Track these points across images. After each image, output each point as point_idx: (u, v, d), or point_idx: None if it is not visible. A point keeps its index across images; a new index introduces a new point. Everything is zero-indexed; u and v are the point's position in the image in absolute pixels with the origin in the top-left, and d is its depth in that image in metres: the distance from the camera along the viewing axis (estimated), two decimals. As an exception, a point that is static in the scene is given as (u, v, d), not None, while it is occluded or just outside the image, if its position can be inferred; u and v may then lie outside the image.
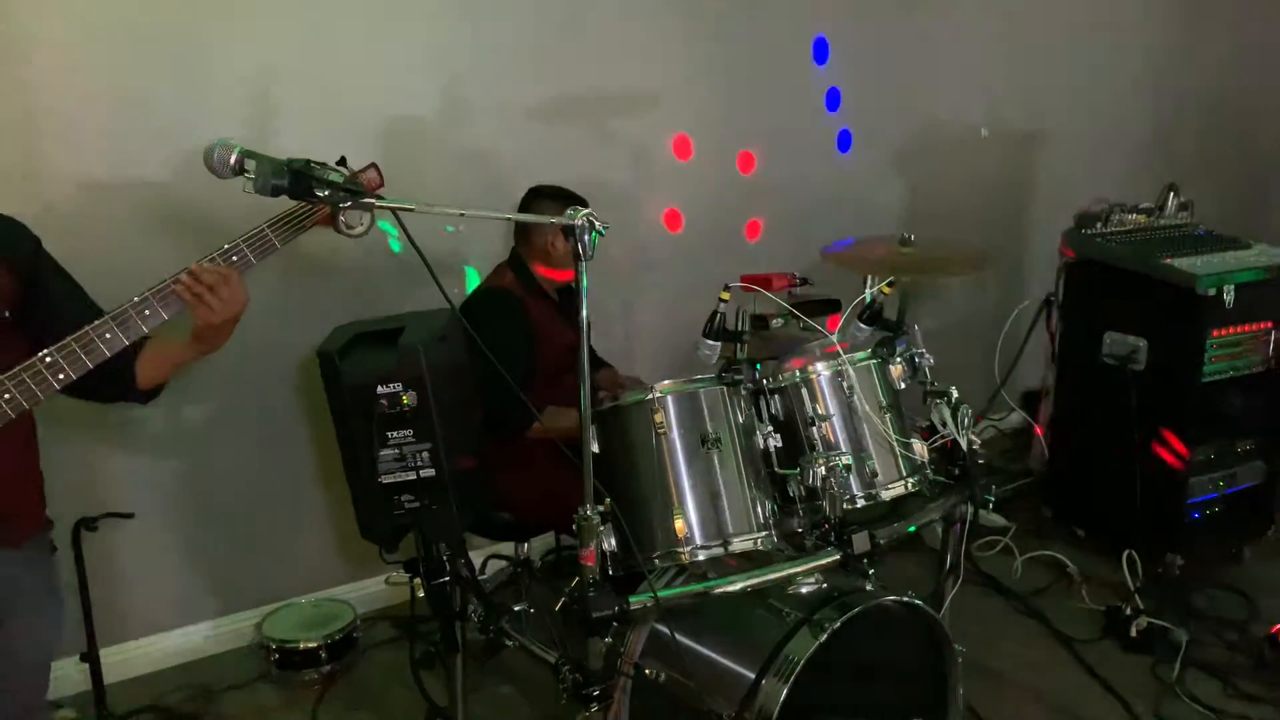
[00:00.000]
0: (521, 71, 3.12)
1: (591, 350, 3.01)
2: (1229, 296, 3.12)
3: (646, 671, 2.05)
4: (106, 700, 2.58)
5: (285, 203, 1.51)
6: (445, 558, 2.21)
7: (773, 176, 3.75)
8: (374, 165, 1.65)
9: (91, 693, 2.59)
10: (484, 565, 3.10)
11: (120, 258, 2.37)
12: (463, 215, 1.42)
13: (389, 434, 2.07)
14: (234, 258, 1.53)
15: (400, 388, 2.03)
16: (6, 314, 1.47)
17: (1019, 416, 4.01)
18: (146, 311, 1.47)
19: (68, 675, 2.65)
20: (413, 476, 2.09)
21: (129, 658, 2.83)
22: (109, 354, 1.47)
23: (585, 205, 1.62)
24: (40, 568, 1.66)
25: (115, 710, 2.61)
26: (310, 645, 2.86)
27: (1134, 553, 3.14)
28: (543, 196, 2.58)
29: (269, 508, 3.01)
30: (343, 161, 1.51)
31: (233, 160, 1.36)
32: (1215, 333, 3.16)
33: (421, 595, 2.22)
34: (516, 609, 2.46)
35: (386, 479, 2.08)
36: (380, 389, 2.03)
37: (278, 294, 2.75)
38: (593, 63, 3.28)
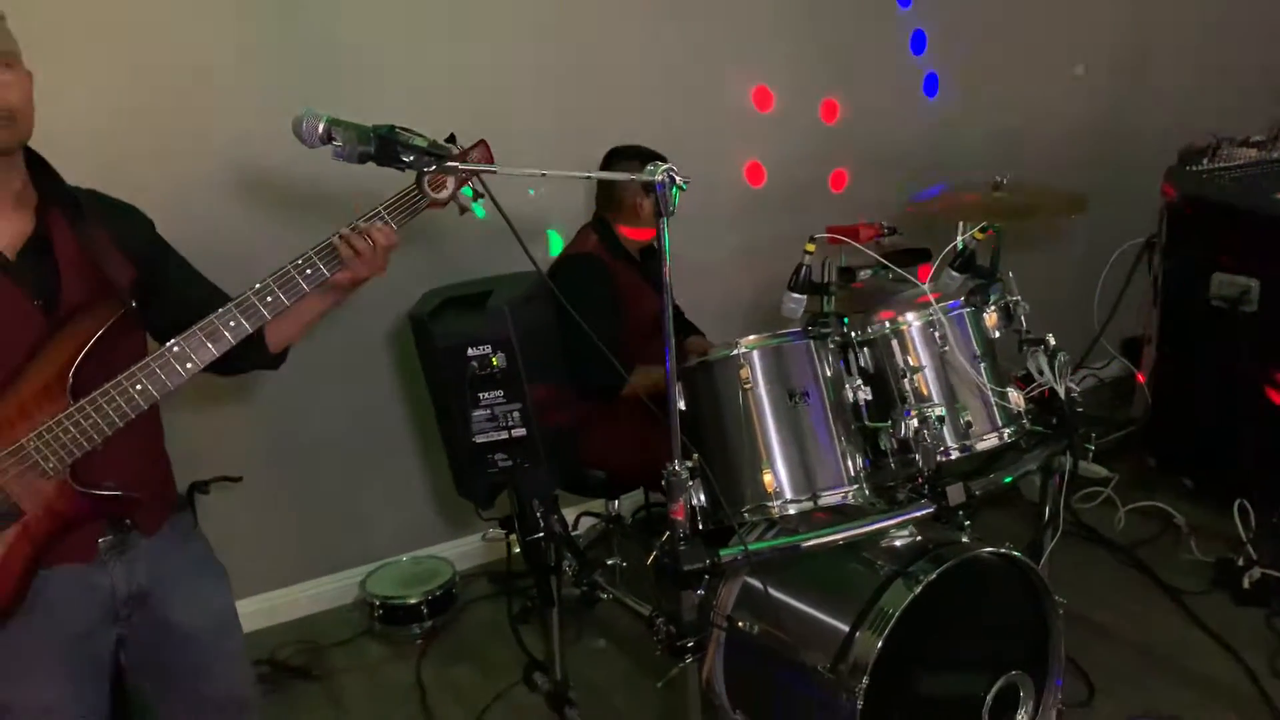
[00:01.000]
0: (603, 29, 3.11)
1: (680, 313, 3.05)
2: (1350, 232, 2.95)
3: (740, 624, 2.07)
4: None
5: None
6: (539, 514, 2.26)
7: (858, 124, 3.67)
8: (483, 142, 1.65)
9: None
10: (576, 522, 3.16)
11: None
12: (544, 175, 1.41)
13: (480, 395, 2.11)
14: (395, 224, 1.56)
15: (490, 349, 2.07)
16: (133, 304, 1.52)
17: (1120, 364, 3.87)
18: (269, 298, 1.50)
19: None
20: (504, 436, 2.13)
21: (247, 613, 2.96)
22: (234, 341, 1.51)
23: (665, 161, 1.60)
24: (185, 545, 1.72)
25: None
26: (412, 601, 2.97)
27: (1246, 502, 3.02)
28: (623, 156, 2.58)
29: (368, 469, 3.11)
30: (452, 139, 1.52)
31: (320, 129, 1.39)
32: (1334, 272, 3.00)
33: (517, 551, 2.27)
34: (609, 563, 2.49)
35: (480, 439, 2.12)
36: (470, 351, 2.07)
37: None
38: (668, 18, 3.24)
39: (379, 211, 1.56)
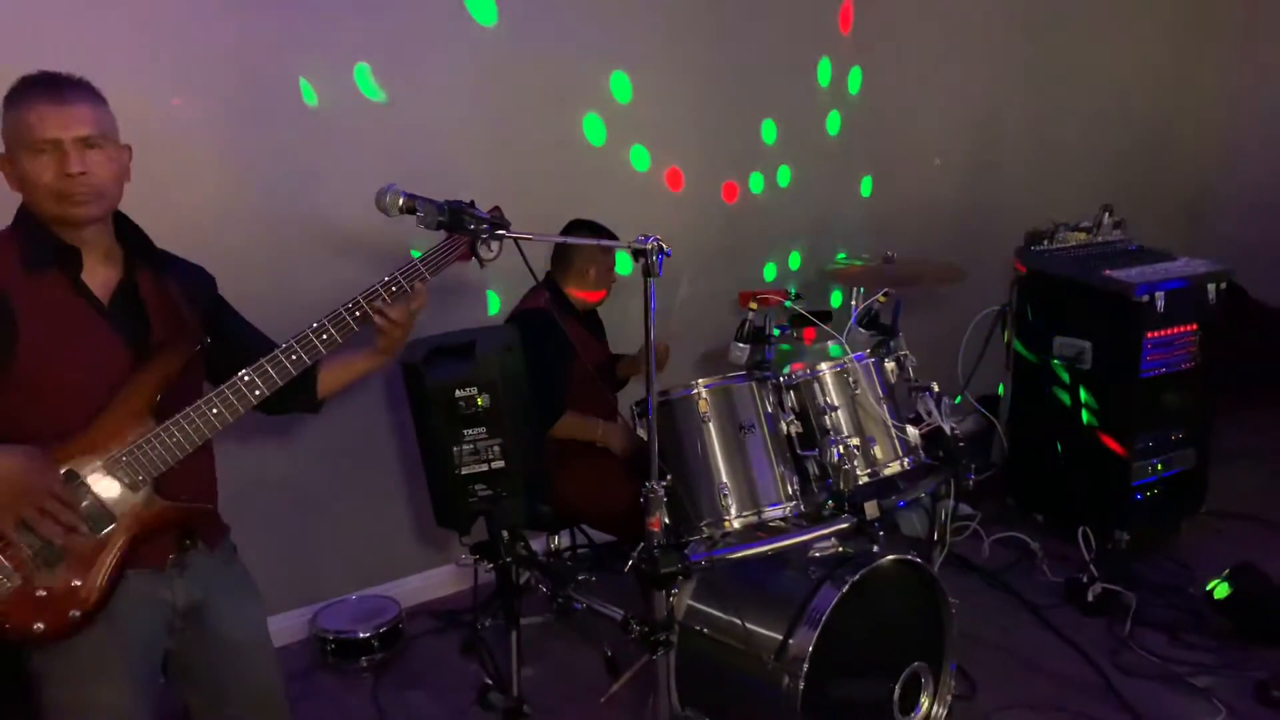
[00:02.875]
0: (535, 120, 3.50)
1: (614, 356, 3.41)
2: (1160, 302, 3.59)
3: (695, 628, 2.41)
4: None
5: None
6: (506, 542, 2.55)
7: (754, 204, 4.16)
8: (498, 208, 1.97)
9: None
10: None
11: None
12: (562, 240, 1.75)
13: (465, 431, 2.40)
14: (393, 288, 1.84)
15: (476, 390, 2.37)
16: (207, 340, 1.78)
17: (978, 418, 4.45)
18: (324, 336, 1.78)
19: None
20: (485, 468, 2.42)
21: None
22: (294, 373, 1.77)
23: (615, 238, 1.98)
24: (230, 565, 1.95)
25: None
26: (363, 635, 3.15)
27: (1088, 529, 3.58)
28: (582, 226, 2.95)
29: (320, 511, 3.30)
30: (473, 204, 1.84)
31: (401, 203, 1.70)
32: (1150, 334, 3.62)
33: (488, 573, 2.54)
34: (580, 578, 2.78)
35: (464, 470, 2.40)
36: (458, 392, 2.37)
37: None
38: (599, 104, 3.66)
39: (418, 269, 1.86)
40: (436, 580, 3.58)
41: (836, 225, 4.43)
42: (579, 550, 3.57)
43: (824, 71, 4.29)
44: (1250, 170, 5.69)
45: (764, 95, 4.13)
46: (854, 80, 4.39)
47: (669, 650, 2.14)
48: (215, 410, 1.71)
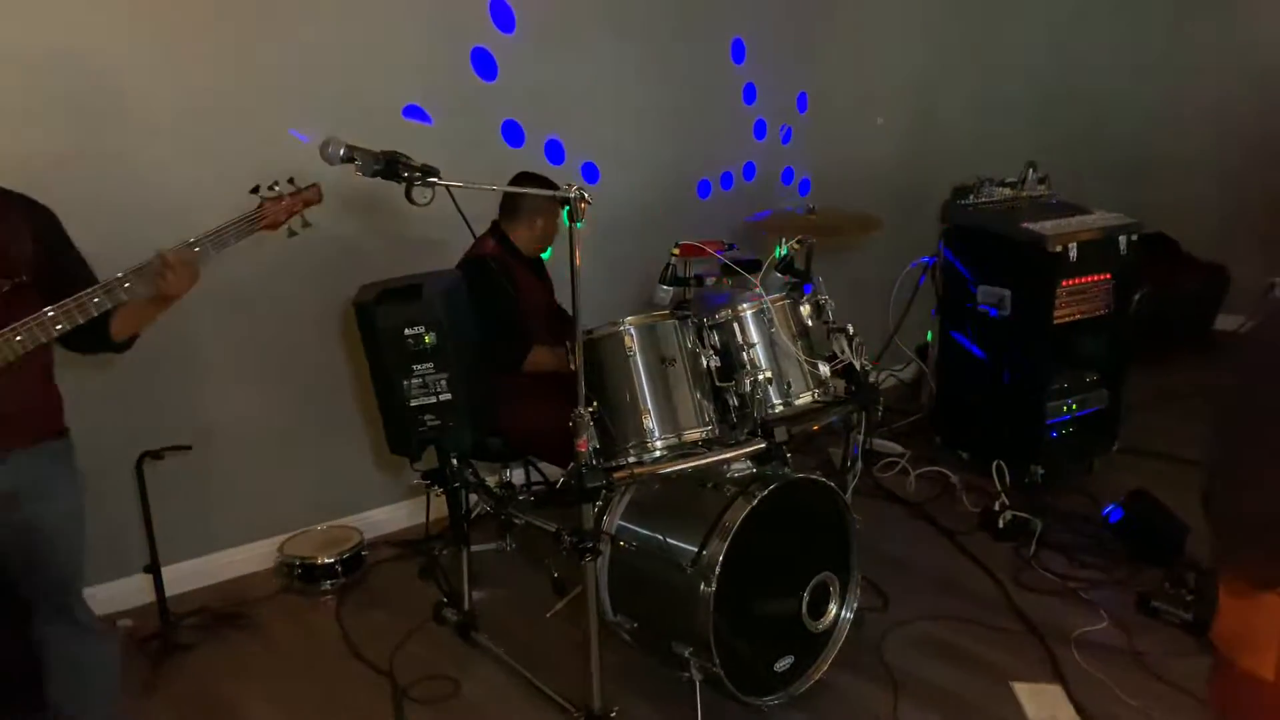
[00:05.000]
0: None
1: (560, 307, 3.64)
2: (1073, 253, 3.85)
3: (621, 544, 2.68)
4: (167, 605, 3.09)
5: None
6: (456, 468, 2.80)
7: (701, 161, 4.38)
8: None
9: (150, 605, 3.11)
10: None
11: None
12: (496, 189, 1.98)
13: (414, 367, 2.63)
14: (196, 248, 2.05)
15: (423, 329, 2.60)
16: (24, 278, 1.98)
17: (915, 367, 4.73)
18: (127, 284, 2.00)
19: (127, 590, 3.17)
20: (433, 400, 2.66)
21: (179, 576, 3.32)
22: (95, 314, 1.99)
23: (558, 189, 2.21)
24: (57, 460, 2.13)
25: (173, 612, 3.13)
26: (328, 561, 3.41)
27: (1002, 463, 3.87)
28: (528, 178, 3.16)
29: (289, 446, 3.54)
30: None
31: (342, 153, 1.91)
32: (1064, 283, 3.88)
33: (440, 497, 2.80)
34: (521, 498, 3.04)
35: (414, 402, 2.65)
36: (407, 330, 2.60)
37: (277, 266, 3.31)
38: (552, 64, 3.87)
39: (201, 239, 2.06)
40: (398, 513, 3.83)
41: (783, 183, 4.66)
42: (534, 486, 3.83)
43: (767, 33, 4.49)
44: (1186, 132, 5.96)
45: (706, 65, 4.33)
46: (797, 42, 4.60)
47: (596, 558, 2.39)
48: (19, 338, 1.92)
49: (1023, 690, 2.74)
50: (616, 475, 2.36)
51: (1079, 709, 2.65)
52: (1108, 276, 4.02)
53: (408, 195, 1.98)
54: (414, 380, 2.64)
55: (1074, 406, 4.06)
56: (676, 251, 2.67)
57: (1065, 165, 4.63)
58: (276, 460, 3.52)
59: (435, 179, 1.98)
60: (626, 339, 2.56)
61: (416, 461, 2.75)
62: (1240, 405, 1.31)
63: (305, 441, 3.58)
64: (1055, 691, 2.73)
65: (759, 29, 4.44)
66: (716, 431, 2.62)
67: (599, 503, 2.33)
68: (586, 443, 2.30)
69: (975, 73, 5.20)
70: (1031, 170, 4.33)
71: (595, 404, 2.34)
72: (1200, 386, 4.97)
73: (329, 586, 3.41)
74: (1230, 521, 1.31)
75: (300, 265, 3.35)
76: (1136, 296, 4.13)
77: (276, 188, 2.15)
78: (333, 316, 3.49)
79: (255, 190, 2.14)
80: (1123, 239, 4.03)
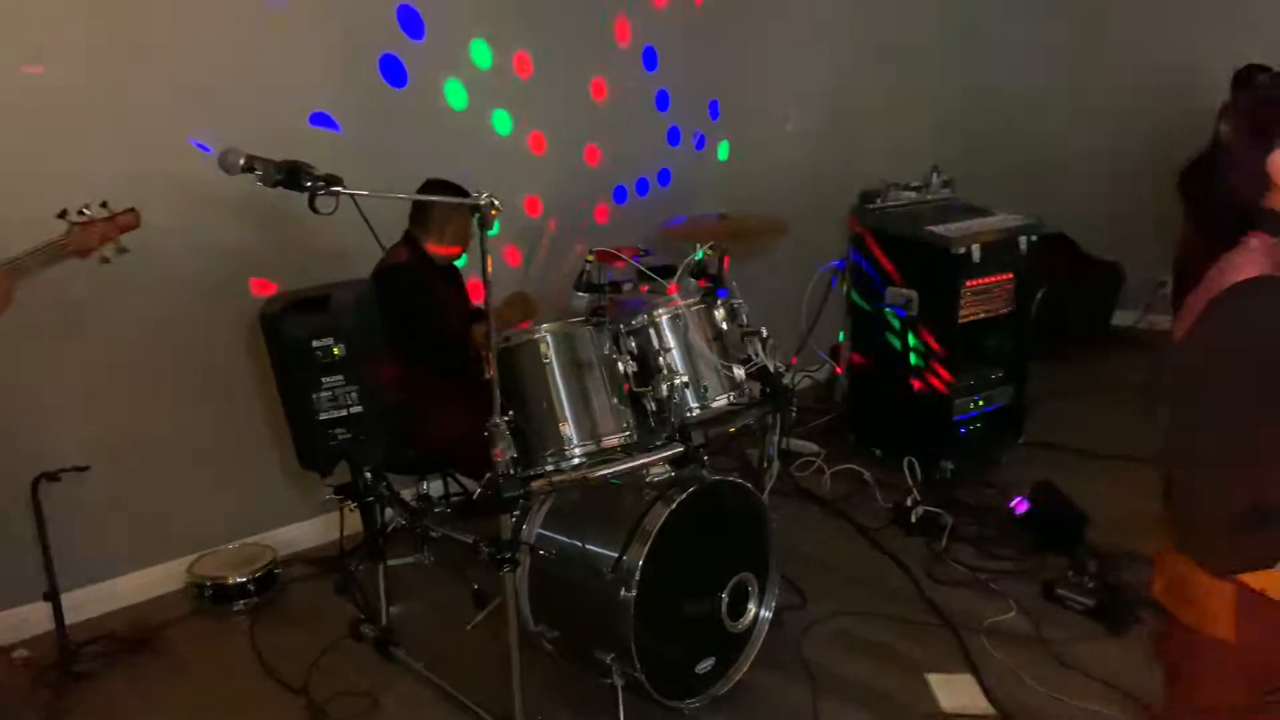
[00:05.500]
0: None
1: (478, 310, 3.61)
2: (976, 254, 3.97)
3: (541, 553, 2.66)
4: (67, 633, 2.96)
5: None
6: (370, 482, 2.75)
7: (614, 166, 4.40)
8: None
9: (49, 634, 2.98)
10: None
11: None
12: (402, 198, 1.95)
13: (323, 379, 2.58)
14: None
15: (332, 340, 2.56)
16: None
17: (829, 367, 4.82)
18: None
19: (28, 619, 3.03)
20: (344, 413, 2.61)
21: (81, 601, 3.18)
22: None
23: (469, 195, 2.19)
24: None
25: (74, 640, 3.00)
26: (239, 580, 3.31)
27: (914, 460, 3.97)
28: (437, 185, 3.13)
29: (197, 463, 3.43)
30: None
31: (242, 162, 1.86)
32: (968, 283, 4.01)
33: (354, 512, 2.74)
34: (437, 510, 3.00)
35: (323, 416, 2.59)
36: (315, 342, 2.55)
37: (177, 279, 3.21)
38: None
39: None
40: (312, 530, 3.75)
41: (696, 188, 4.69)
42: (452, 497, 3.79)
43: (678, 39, 4.53)
44: (1082, 135, 6.20)
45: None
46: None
47: (515, 569, 2.37)
48: None
49: (936, 681, 2.82)
50: (534, 484, 2.35)
51: (989, 696, 2.73)
52: (1009, 276, 4.16)
53: (311, 205, 1.95)
54: (323, 393, 2.59)
55: (980, 403, 4.20)
56: (591, 258, 2.68)
57: (968, 168, 4.78)
58: (183, 479, 3.41)
59: (339, 188, 1.95)
60: (542, 346, 2.55)
61: (327, 476, 2.69)
62: (1199, 408, 1.39)
63: (213, 459, 3.47)
64: (967, 680, 2.81)
65: (669, 37, 4.48)
66: (635, 437, 2.63)
67: (517, 513, 2.31)
68: (503, 452, 2.28)
69: (881, 78, 5.32)
70: (935, 174, 4.46)
71: (511, 413, 2.33)
72: (1098, 380, 5.21)
73: (241, 607, 3.31)
74: (1194, 518, 1.39)
75: (203, 278, 3.26)
76: (1037, 295, 4.29)
77: (87, 211, 2.08)
78: (238, 329, 3.39)
79: (63, 215, 2.05)
80: (1023, 240, 4.17)
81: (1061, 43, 6.08)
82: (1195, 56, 5.03)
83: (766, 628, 2.81)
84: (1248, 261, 1.36)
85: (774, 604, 2.84)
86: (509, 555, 2.34)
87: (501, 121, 4.02)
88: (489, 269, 2.18)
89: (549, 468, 2.55)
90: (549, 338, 2.57)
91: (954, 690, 2.77)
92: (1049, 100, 6.14)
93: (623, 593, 2.47)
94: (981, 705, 2.71)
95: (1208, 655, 1.45)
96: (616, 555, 2.51)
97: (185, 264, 3.26)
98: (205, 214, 3.24)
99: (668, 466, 2.67)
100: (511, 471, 2.32)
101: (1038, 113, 6.13)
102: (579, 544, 2.60)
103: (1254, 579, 1.38)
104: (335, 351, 2.56)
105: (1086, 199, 6.17)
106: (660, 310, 2.77)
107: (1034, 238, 4.21)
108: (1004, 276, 4.14)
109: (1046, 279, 4.38)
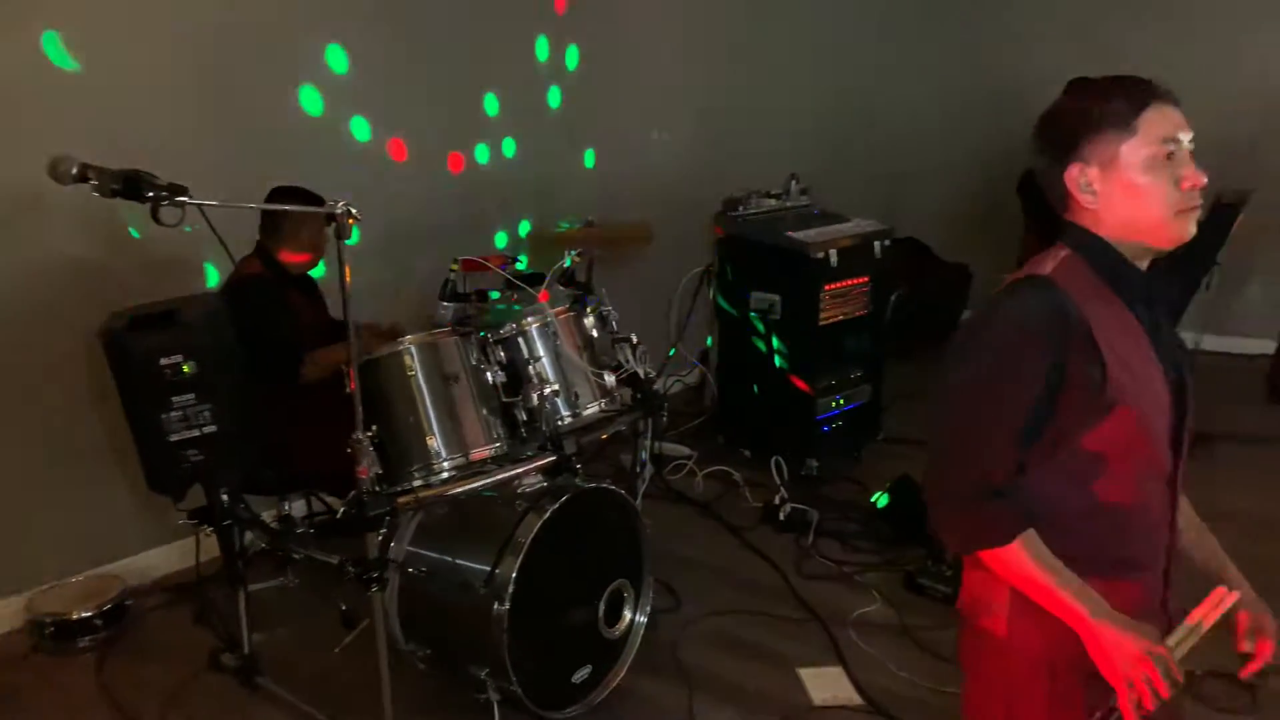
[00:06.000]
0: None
1: (336, 324, 3.50)
2: (834, 259, 4.12)
3: (410, 570, 2.60)
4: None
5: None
6: (226, 504, 2.63)
7: (480, 173, 4.35)
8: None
9: None
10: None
11: None
12: (251, 208, 1.88)
13: (173, 398, 2.45)
14: None
15: (181, 357, 2.43)
16: None
17: (699, 371, 4.89)
18: None
19: None
20: (196, 433, 2.48)
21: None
22: None
23: (322, 201, 2.13)
24: None
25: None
26: (84, 614, 3.10)
27: (780, 459, 4.07)
28: (286, 193, 3.01)
29: (37, 492, 3.20)
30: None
31: (75, 171, 1.74)
32: (827, 287, 4.15)
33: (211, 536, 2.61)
34: (299, 531, 2.88)
35: (174, 437, 2.46)
36: (163, 360, 2.42)
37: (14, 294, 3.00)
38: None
39: None
40: (167, 556, 3.54)
41: (563, 194, 4.68)
42: (317, 517, 3.65)
43: (541, 48, 4.52)
44: (930, 143, 6.51)
45: (484, 69, 4.31)
46: (571, 57, 4.65)
47: (383, 588, 2.31)
48: None
49: (807, 675, 2.89)
50: (400, 501, 2.29)
51: (858, 687, 2.83)
52: (865, 280, 4.32)
53: (154, 216, 1.85)
54: (173, 413, 2.46)
55: (842, 401, 4.35)
56: (456, 267, 2.63)
57: (825, 176, 4.95)
58: (16, 509, 3.17)
59: (185, 198, 1.85)
60: (406, 359, 2.49)
61: (180, 501, 2.56)
62: (942, 391, 1.47)
63: (51, 486, 3.24)
64: (836, 673, 2.90)
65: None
66: (505, 448, 2.60)
67: (383, 531, 2.25)
68: (367, 469, 2.22)
69: (744, 88, 5.44)
70: (794, 182, 4.59)
71: (375, 428, 2.27)
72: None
73: (88, 643, 3.10)
74: (933, 495, 1.46)
75: (34, 293, 3.04)
76: (892, 297, 4.47)
77: None
78: (76, 346, 3.18)
79: None
80: (877, 244, 4.35)
81: (911, 56, 6.37)
82: (1033, 67, 5.34)
83: (642, 632, 2.82)
84: (1037, 265, 1.46)
85: (649, 608, 2.86)
86: (376, 574, 2.28)
87: (360, 128, 3.92)
88: (348, 280, 2.12)
89: (416, 483, 2.50)
90: (413, 350, 2.52)
91: (825, 683, 2.86)
92: (900, 111, 6.42)
93: (496, 606, 2.44)
94: (851, 696, 2.80)
95: (988, 652, 1.53)
96: (489, 569, 2.48)
97: (13, 280, 3.05)
98: (35, 226, 3.03)
99: (540, 476, 2.65)
100: (376, 489, 2.27)
101: (890, 122, 6.39)
102: (449, 559, 2.55)
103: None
104: (185, 369, 2.43)
105: (936, 204, 6.49)
106: (529, 319, 2.75)
107: (887, 242, 4.40)
108: (860, 280, 4.30)
109: (900, 282, 4.58)
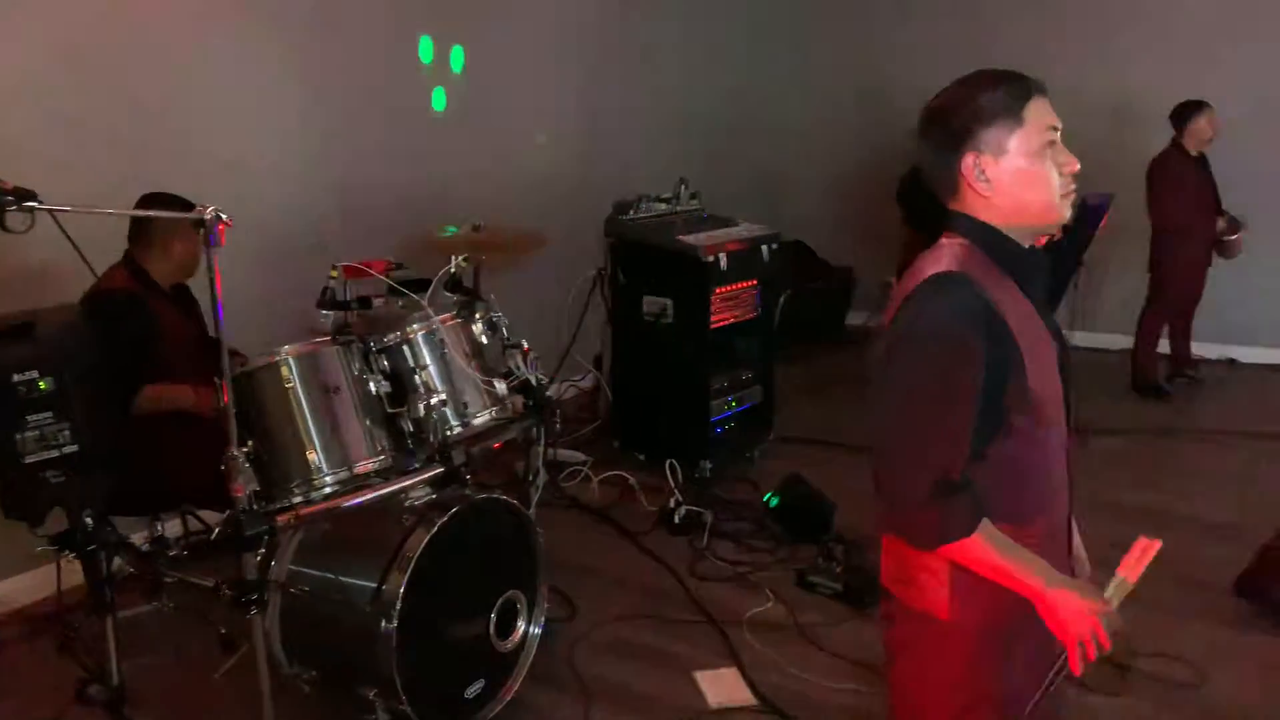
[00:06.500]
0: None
1: (212, 338, 3.33)
2: (724, 262, 4.15)
3: (292, 589, 2.50)
4: None
5: None
6: (91, 528, 2.47)
7: (363, 177, 4.23)
8: None
9: None
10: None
11: None
12: (111, 214, 1.76)
13: (28, 417, 2.29)
14: None
15: (37, 374, 2.27)
16: None
17: (593, 376, 4.87)
18: None
19: None
20: (55, 454, 2.32)
21: None
22: None
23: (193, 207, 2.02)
24: None
25: None
26: (-67, 652, 2.88)
27: (674, 462, 4.09)
28: (156, 200, 2.85)
29: None
30: None
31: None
32: (718, 290, 4.18)
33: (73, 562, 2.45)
34: (172, 553, 2.73)
35: (30, 458, 2.29)
36: (17, 376, 2.25)
37: None
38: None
39: None
40: (25, 584, 3.32)
41: (449, 198, 4.60)
42: (192, 537, 3.48)
43: (425, 49, 4.43)
44: (811, 149, 6.65)
45: (364, 70, 4.19)
46: (456, 59, 4.57)
47: (263, 610, 2.21)
48: None
49: (703, 677, 2.90)
50: (279, 518, 2.19)
51: (752, 687, 2.85)
52: (754, 283, 4.38)
53: (0, 223, 1.72)
54: (29, 433, 2.28)
55: (734, 403, 4.39)
56: (335, 273, 2.54)
57: (714, 181, 5.00)
58: None
59: (34, 203, 1.73)
60: (284, 370, 2.39)
61: (39, 526, 2.39)
62: (885, 391, 1.49)
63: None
64: (732, 674, 2.92)
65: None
66: (391, 460, 2.52)
67: (261, 550, 2.15)
68: (243, 487, 2.12)
69: (632, 94, 5.45)
70: (684, 186, 4.62)
71: (251, 443, 2.17)
72: (837, 375, 5.61)
73: (-63, 682, 2.88)
74: (887, 495, 1.48)
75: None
76: (779, 300, 4.55)
77: None
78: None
79: None
80: (765, 248, 4.41)
81: (783, 59, 6.50)
82: (913, 79, 5.52)
83: (536, 643, 2.78)
84: (936, 260, 1.50)
85: (543, 618, 2.82)
86: (255, 596, 2.18)
87: (236, 133, 3.76)
88: (219, 289, 2.02)
89: (297, 499, 2.39)
90: (291, 361, 2.42)
91: (720, 685, 2.87)
92: (779, 114, 6.54)
93: (383, 625, 2.36)
94: (746, 697, 2.82)
95: (927, 634, 1.56)
96: (375, 586, 2.40)
97: None
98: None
99: (428, 488, 2.58)
100: (254, 507, 2.17)
101: (770, 125, 6.51)
102: (334, 576, 2.46)
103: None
104: (42, 385, 2.27)
105: (821, 209, 6.65)
106: (414, 326, 2.68)
107: (775, 246, 4.47)
108: (749, 283, 4.36)
109: (787, 284, 4.67)
